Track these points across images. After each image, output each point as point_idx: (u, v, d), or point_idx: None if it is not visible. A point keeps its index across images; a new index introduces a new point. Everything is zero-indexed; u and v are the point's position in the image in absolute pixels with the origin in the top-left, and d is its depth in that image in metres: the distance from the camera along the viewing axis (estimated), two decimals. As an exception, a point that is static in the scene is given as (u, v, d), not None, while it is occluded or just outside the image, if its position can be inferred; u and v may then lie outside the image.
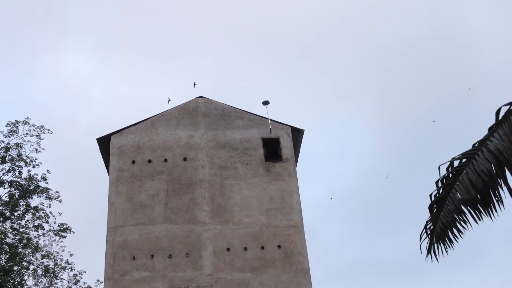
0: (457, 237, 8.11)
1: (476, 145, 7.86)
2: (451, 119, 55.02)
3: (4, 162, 22.29)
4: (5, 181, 22.27)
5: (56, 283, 25.43)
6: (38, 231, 23.27)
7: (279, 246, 17.11)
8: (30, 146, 23.01)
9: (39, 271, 24.38)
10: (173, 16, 62.63)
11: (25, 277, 22.85)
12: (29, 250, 23.48)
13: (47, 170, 23.28)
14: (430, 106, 56.21)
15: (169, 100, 21.68)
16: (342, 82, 59.82)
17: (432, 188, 8.08)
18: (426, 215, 8.25)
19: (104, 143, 19.19)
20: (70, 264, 25.75)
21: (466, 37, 57.66)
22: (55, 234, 24.03)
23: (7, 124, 22.79)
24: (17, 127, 22.96)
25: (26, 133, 23.02)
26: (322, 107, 59.78)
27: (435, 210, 8.14)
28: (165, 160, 18.58)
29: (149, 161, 18.54)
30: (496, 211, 7.73)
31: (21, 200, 22.41)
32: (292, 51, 61.84)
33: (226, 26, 63.52)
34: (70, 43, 60.49)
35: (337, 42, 62.13)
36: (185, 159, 18.65)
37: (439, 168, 8.00)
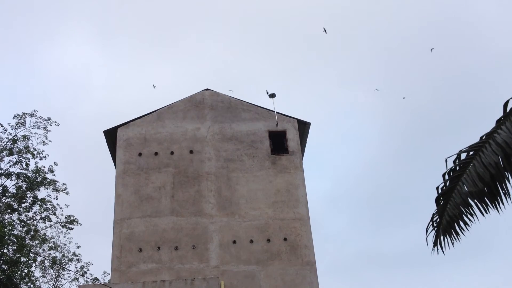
0: (463, 230, 8.10)
1: (484, 137, 7.83)
2: (456, 106, 54.72)
3: (11, 154, 22.42)
4: (12, 173, 22.41)
5: (63, 275, 25.63)
6: (45, 223, 23.47)
7: (285, 239, 17.13)
8: (37, 138, 23.15)
9: (47, 263, 24.56)
10: (177, 3, 62.41)
11: (33, 269, 23.05)
12: (37, 242, 23.65)
13: (54, 162, 23.44)
14: (434, 93, 55.94)
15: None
16: (345, 70, 59.62)
17: (438, 177, 8.07)
18: (432, 205, 8.25)
19: (110, 135, 19.23)
20: (77, 255, 25.99)
21: (473, 21, 57.15)
22: (62, 226, 24.23)
23: (15, 116, 22.92)
24: (24, 119, 23.09)
25: (33, 125, 23.15)
26: (325, 98, 59.65)
27: (441, 203, 8.13)
28: (172, 153, 18.60)
29: (156, 153, 18.56)
30: (503, 204, 7.71)
31: (28, 192, 22.56)
32: (296, 42, 61.63)
33: (231, 17, 63.36)
34: (71, 30, 60.40)
35: (339, 31, 61.84)
36: (191, 151, 18.66)
37: (446, 160, 7.98)
